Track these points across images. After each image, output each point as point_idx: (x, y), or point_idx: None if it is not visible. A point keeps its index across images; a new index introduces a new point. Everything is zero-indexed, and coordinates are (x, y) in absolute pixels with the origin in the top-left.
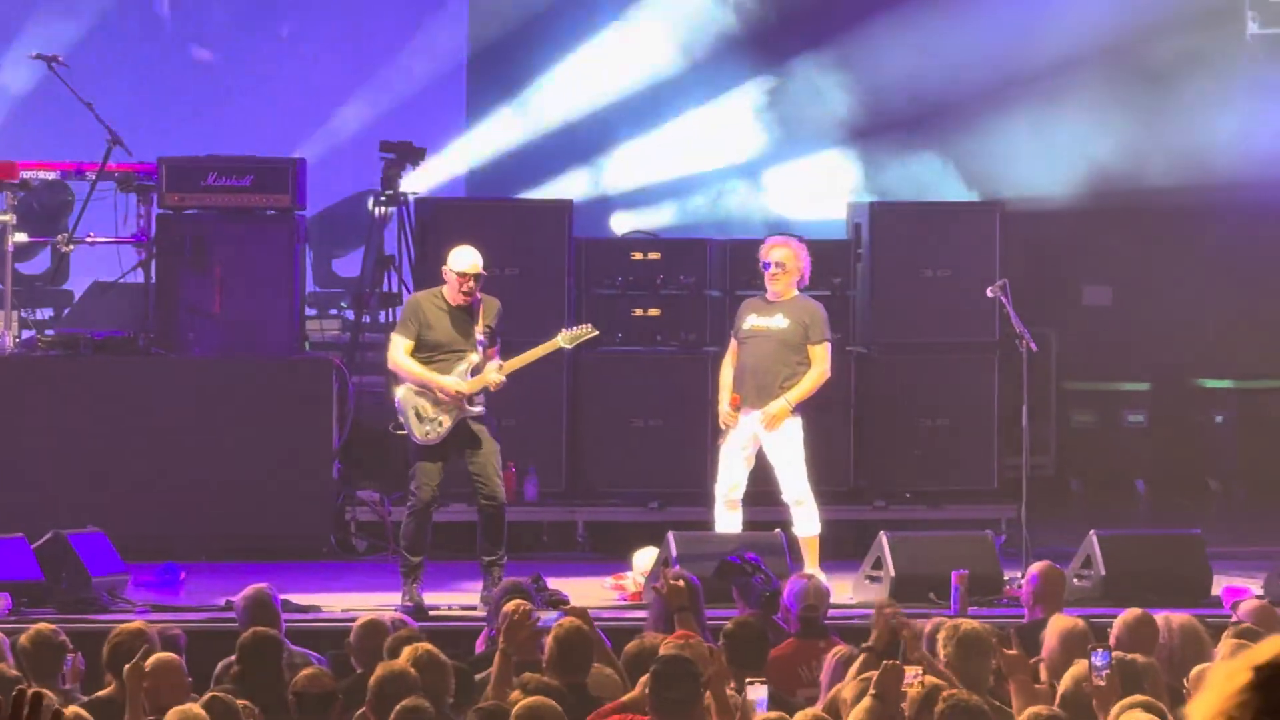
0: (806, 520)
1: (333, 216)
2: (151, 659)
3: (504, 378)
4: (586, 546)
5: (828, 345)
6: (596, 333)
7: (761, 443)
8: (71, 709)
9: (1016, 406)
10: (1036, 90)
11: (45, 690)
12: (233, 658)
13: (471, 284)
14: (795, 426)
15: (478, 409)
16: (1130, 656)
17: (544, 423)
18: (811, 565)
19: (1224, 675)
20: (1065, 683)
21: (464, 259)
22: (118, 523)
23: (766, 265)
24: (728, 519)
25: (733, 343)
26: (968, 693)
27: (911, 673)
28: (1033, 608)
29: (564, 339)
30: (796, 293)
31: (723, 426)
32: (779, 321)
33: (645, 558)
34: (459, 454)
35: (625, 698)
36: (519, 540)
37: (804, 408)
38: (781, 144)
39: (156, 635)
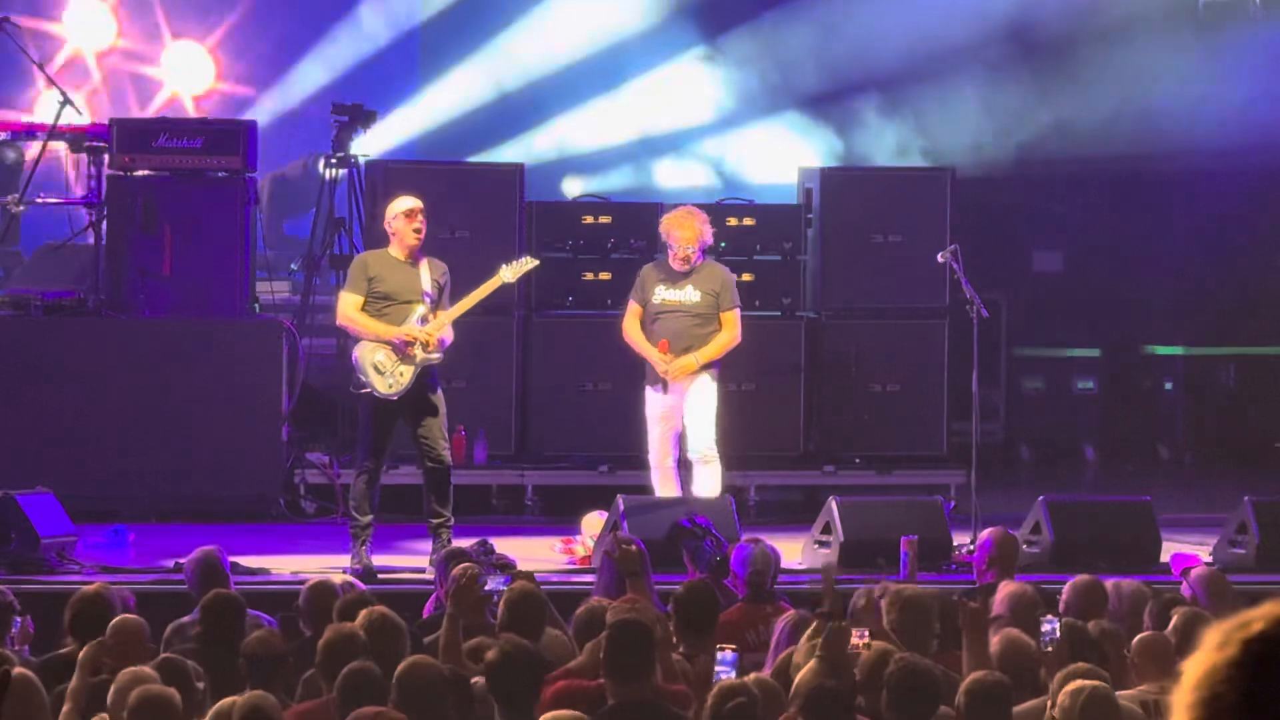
0: (710, 480)
1: (283, 179)
2: (115, 620)
3: (449, 327)
4: (536, 510)
5: (737, 311)
6: (537, 263)
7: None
8: (19, 670)
9: (966, 372)
10: (987, 56)
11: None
12: (186, 619)
13: (420, 219)
14: (711, 387)
15: (435, 355)
16: (1088, 623)
17: (494, 386)
18: None
19: (1212, 648)
20: (996, 645)
21: (404, 200)
22: (67, 484)
23: (670, 248)
24: (669, 484)
25: (634, 306)
26: (918, 656)
27: (857, 633)
28: (984, 573)
29: (506, 273)
30: (704, 260)
31: (667, 376)
32: (690, 294)
33: (594, 522)
34: (409, 417)
35: (572, 664)
36: (468, 504)
37: (741, 372)
38: (733, 108)
39: (118, 597)
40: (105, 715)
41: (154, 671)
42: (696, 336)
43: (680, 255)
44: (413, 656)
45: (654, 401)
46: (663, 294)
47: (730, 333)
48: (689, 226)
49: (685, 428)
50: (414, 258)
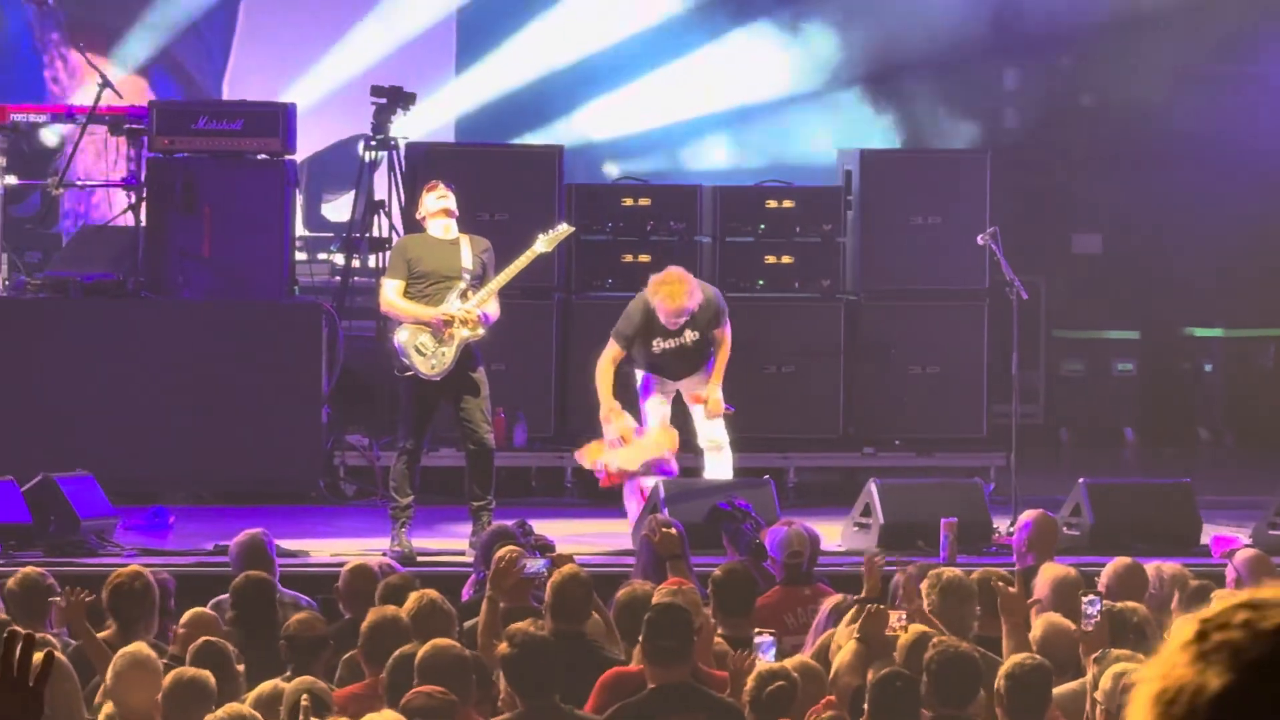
0: (723, 467)
1: (323, 161)
2: (188, 614)
3: (494, 303)
4: (575, 492)
5: (728, 327)
6: (572, 229)
7: (684, 391)
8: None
9: (1006, 354)
10: (1028, 39)
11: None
12: (221, 599)
13: (441, 189)
14: (718, 398)
15: (478, 332)
16: (1129, 606)
17: (533, 368)
18: None
19: (1175, 632)
20: (1037, 629)
21: (427, 184)
22: (107, 466)
23: (677, 323)
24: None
25: (616, 349)
26: (957, 639)
27: (895, 617)
28: (1024, 555)
29: (542, 243)
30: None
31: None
32: (688, 337)
33: (617, 428)
34: (451, 398)
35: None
36: (507, 486)
37: (780, 354)
38: (774, 90)
39: (153, 578)
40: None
41: (149, 650)
42: (701, 361)
43: (667, 322)
44: (434, 640)
45: (657, 409)
46: (662, 345)
47: (726, 347)
48: (672, 298)
49: (694, 421)
50: (452, 234)
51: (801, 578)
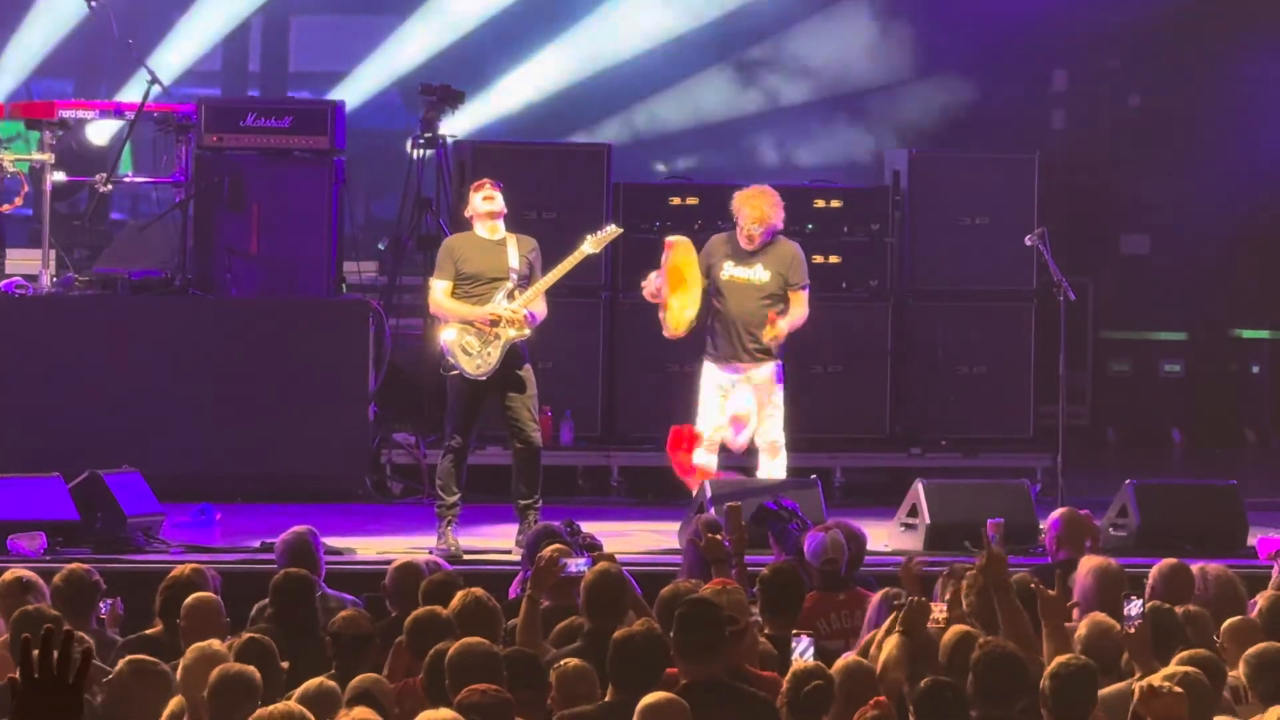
0: (778, 471)
1: (371, 159)
2: (190, 598)
3: (541, 302)
4: (621, 491)
5: (806, 292)
6: (621, 230)
7: (747, 393)
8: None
9: (1053, 355)
10: (1077, 40)
11: (79, 633)
12: (267, 600)
13: (488, 188)
14: (779, 374)
15: (524, 332)
16: (1181, 608)
17: (580, 367)
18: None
19: None
20: (1082, 629)
21: (474, 184)
22: (153, 463)
23: (740, 230)
24: (706, 459)
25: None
26: (1002, 639)
27: (938, 609)
28: (1055, 552)
29: (590, 244)
30: (773, 239)
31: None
32: (759, 273)
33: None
34: (498, 396)
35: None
36: (553, 485)
37: (828, 354)
38: (822, 89)
39: (211, 581)
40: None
41: (224, 647)
42: (766, 315)
43: (745, 233)
44: (463, 639)
45: (713, 375)
46: (731, 270)
47: (799, 309)
48: (756, 205)
49: (759, 416)
50: (499, 234)
51: (838, 583)
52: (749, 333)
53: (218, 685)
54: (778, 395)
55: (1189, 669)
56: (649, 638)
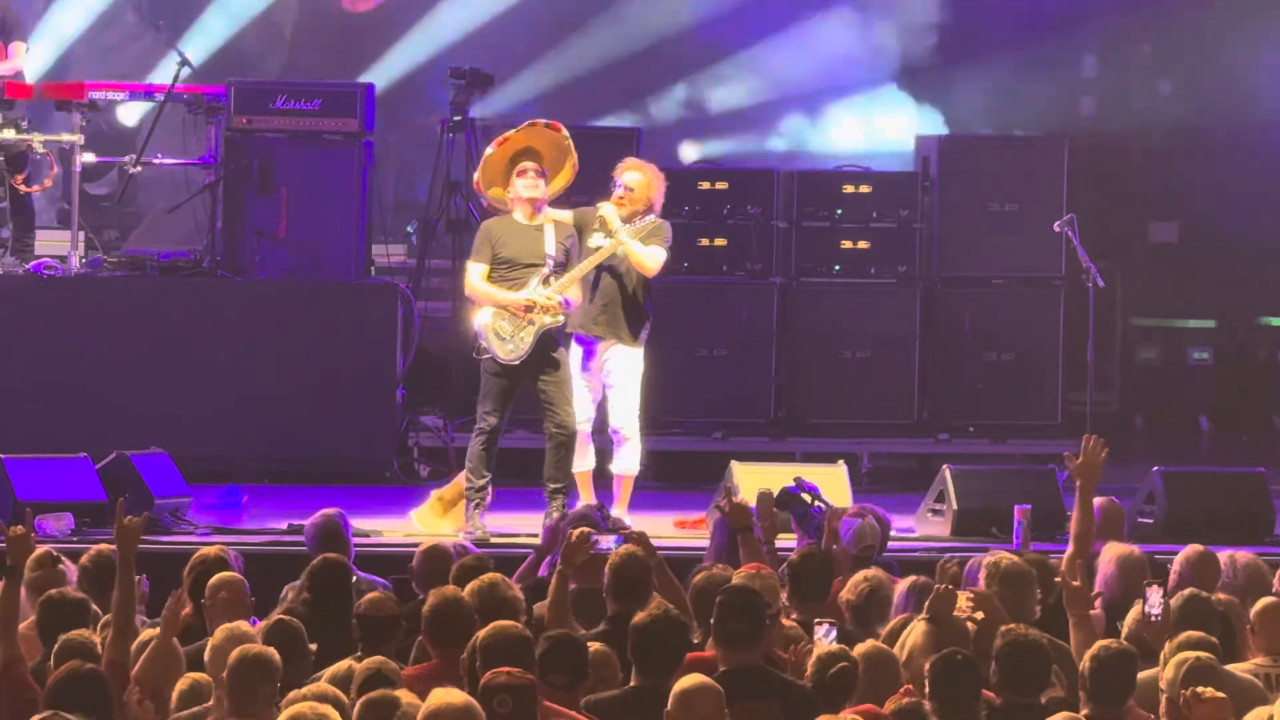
0: (630, 456)
1: (400, 141)
2: (215, 578)
3: (576, 289)
4: (649, 476)
5: (665, 254)
6: (658, 222)
7: (605, 373)
8: (147, 632)
9: (1081, 342)
10: (1108, 25)
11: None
12: (297, 583)
13: (531, 175)
14: (638, 357)
15: (559, 318)
16: (1218, 597)
17: None
18: (621, 507)
19: None
20: (1128, 624)
21: (518, 168)
22: (181, 444)
23: (617, 185)
24: (581, 451)
25: None
26: (1026, 628)
27: (964, 597)
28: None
29: (626, 234)
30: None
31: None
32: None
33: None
34: (531, 380)
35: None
36: None
37: (856, 340)
38: (851, 75)
39: (233, 558)
40: (197, 675)
41: (250, 627)
42: (627, 290)
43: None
44: (496, 621)
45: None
46: (595, 240)
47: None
48: (651, 183)
49: (609, 398)
50: (537, 220)
51: (862, 567)
52: (605, 305)
53: (236, 666)
54: (629, 374)
55: (1201, 653)
56: (669, 622)
